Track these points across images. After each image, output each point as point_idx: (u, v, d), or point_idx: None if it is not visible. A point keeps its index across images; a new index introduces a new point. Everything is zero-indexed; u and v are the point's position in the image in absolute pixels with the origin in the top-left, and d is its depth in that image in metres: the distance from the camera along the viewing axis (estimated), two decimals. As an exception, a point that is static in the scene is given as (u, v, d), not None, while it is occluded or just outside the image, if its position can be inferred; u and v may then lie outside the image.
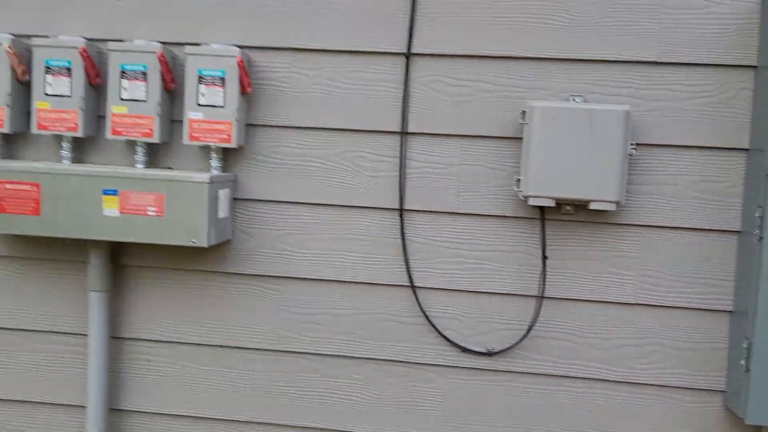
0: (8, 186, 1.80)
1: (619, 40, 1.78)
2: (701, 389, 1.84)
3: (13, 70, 1.88)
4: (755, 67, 1.73)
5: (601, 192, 1.72)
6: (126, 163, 1.96)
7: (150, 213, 1.78)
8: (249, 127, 1.92)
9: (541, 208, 1.82)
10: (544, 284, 1.85)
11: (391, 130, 1.87)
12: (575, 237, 1.84)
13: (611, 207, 1.72)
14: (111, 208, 1.78)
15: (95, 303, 1.94)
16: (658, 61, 1.76)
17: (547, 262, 1.84)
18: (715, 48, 1.75)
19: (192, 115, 1.85)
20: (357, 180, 1.90)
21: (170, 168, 1.95)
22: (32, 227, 1.80)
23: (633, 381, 1.85)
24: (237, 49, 1.82)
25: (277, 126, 1.91)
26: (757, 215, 1.66)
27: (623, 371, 1.85)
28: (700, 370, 1.83)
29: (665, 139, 1.78)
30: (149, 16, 1.92)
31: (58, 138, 1.94)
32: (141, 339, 2.01)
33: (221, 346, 1.99)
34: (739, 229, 1.78)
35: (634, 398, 1.86)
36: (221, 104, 1.84)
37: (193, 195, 1.76)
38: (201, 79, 1.83)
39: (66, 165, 1.85)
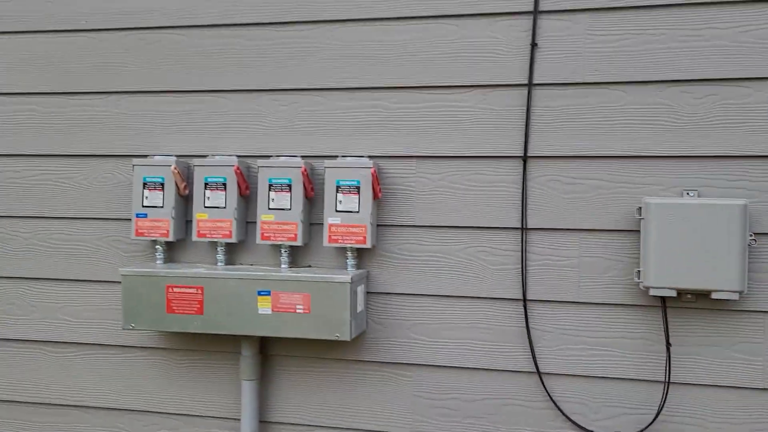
0: (176, 289, 2.06)
1: (729, 137, 1.88)
2: (840, 475, 1.84)
3: (177, 187, 2.18)
4: None
5: (723, 282, 1.79)
6: (272, 262, 2.20)
7: (298, 310, 1.99)
8: (379, 227, 2.12)
9: (663, 298, 1.91)
10: (669, 370, 1.92)
11: (512, 226, 2.03)
12: (698, 324, 1.91)
13: (734, 296, 1.79)
14: (265, 306, 2.01)
15: (247, 390, 2.16)
16: (770, 154, 1.86)
17: (671, 348, 1.91)
18: (826, 138, 1.83)
19: (331, 220, 2.07)
20: (482, 273, 2.05)
21: (310, 266, 2.17)
22: (197, 326, 2.04)
23: (767, 465, 1.88)
24: (370, 161, 2.04)
25: (405, 226, 2.11)
26: None
27: (756, 456, 1.88)
28: (838, 454, 1.84)
29: (783, 228, 1.85)
30: (291, 134, 2.17)
31: (214, 243, 2.21)
32: (287, 423, 2.20)
33: (358, 429, 2.15)
34: None
35: (768, 483, 1.88)
36: (356, 210, 2.05)
37: (337, 293, 1.96)
38: (338, 188, 2.06)
39: (225, 270, 2.09)
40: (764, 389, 1.87)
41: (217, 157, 2.18)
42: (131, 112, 2.29)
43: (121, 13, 2.29)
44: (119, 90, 2.30)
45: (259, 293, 2.01)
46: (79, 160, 2.33)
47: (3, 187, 2.38)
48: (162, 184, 2.18)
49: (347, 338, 1.95)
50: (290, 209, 2.10)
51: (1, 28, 2.36)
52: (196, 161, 2.16)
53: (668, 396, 1.93)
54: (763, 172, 1.87)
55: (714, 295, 1.81)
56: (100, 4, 2.30)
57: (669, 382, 1.92)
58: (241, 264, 2.22)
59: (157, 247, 2.21)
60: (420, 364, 2.10)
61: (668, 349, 1.91)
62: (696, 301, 1.90)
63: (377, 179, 2.04)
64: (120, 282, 2.28)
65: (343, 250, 2.13)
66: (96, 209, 2.32)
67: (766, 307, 1.86)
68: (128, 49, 2.29)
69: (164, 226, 2.18)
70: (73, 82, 2.33)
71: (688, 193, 1.89)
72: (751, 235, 1.81)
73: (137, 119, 2.28)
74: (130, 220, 2.28)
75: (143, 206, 2.19)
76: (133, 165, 2.19)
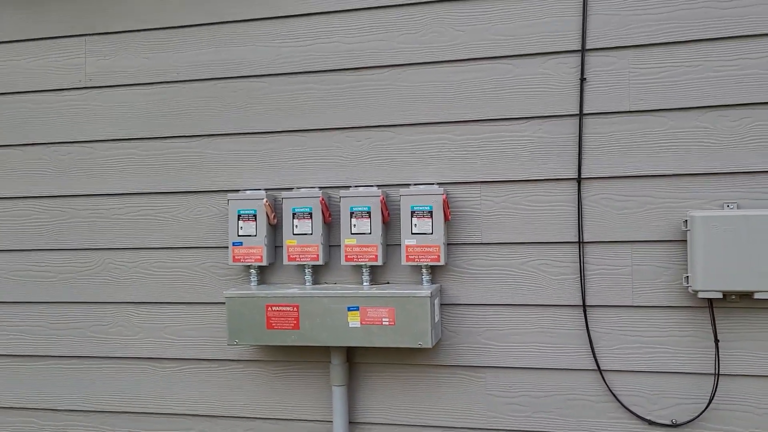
0: (275, 308, 2.34)
1: (762, 155, 2.12)
2: None
3: (267, 217, 2.46)
4: None
5: (765, 284, 2.03)
6: (353, 280, 2.47)
7: (384, 323, 2.25)
8: (449, 246, 2.38)
9: (710, 300, 2.14)
10: (718, 362, 2.15)
11: (570, 240, 2.28)
12: (743, 322, 2.14)
13: (774, 296, 2.03)
14: (354, 320, 2.28)
15: (337, 395, 2.43)
16: (801, 168, 2.09)
17: (720, 344, 2.14)
18: None
19: (407, 242, 2.34)
20: (544, 283, 2.30)
21: (388, 282, 2.44)
22: (294, 339, 2.32)
23: (811, 446, 2.10)
24: (440, 188, 2.31)
25: (472, 243, 2.37)
26: None
27: (801, 437, 2.11)
28: None
29: (815, 233, 2.08)
30: (366, 167, 2.45)
31: (302, 266, 2.49)
32: (373, 423, 2.46)
33: (437, 426, 2.41)
34: None
35: (813, 461, 2.10)
36: (430, 231, 2.32)
37: (419, 306, 2.22)
38: (413, 213, 2.33)
39: (316, 289, 2.37)
40: (805, 378, 2.11)
41: (302, 189, 2.46)
42: (221, 151, 2.58)
43: (209, 65, 2.58)
44: (210, 133, 2.59)
45: (349, 309, 2.28)
46: (176, 196, 2.63)
47: (109, 223, 2.69)
48: (255, 216, 2.46)
49: (429, 345, 2.21)
50: (370, 233, 2.37)
51: (106, 82, 2.67)
52: (283, 194, 2.45)
53: (718, 387, 2.16)
54: (795, 184, 2.11)
55: (756, 296, 2.05)
56: (190, 57, 2.60)
57: (719, 374, 2.16)
58: (326, 283, 2.49)
59: (251, 270, 2.49)
60: (492, 366, 2.35)
61: (716, 345, 2.15)
62: (740, 301, 2.14)
63: (447, 204, 2.30)
64: (218, 303, 2.58)
65: (418, 267, 2.40)
66: (192, 239, 2.61)
67: (803, 305, 2.10)
68: (217, 95, 2.58)
69: (258, 252, 2.46)
70: (168, 127, 2.63)
71: (728, 206, 2.13)
72: (787, 242, 2.05)
73: (227, 158, 2.58)
74: (224, 248, 2.57)
75: (238, 235, 2.48)
76: (228, 200, 2.48)
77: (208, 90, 2.59)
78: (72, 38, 2.72)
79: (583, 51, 2.25)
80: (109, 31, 2.68)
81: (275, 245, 2.52)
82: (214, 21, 2.58)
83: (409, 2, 2.40)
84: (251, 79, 2.55)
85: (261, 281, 2.54)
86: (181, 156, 2.62)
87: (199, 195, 2.61)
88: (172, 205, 2.64)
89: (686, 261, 2.17)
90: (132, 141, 2.67)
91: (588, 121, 2.26)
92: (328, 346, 2.44)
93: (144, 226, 2.66)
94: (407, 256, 2.34)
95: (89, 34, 2.70)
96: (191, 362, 2.63)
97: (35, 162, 2.76)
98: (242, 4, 2.56)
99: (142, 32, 2.66)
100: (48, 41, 2.74)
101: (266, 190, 2.53)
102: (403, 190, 2.34)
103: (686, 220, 2.12)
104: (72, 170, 2.73)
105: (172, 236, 2.63)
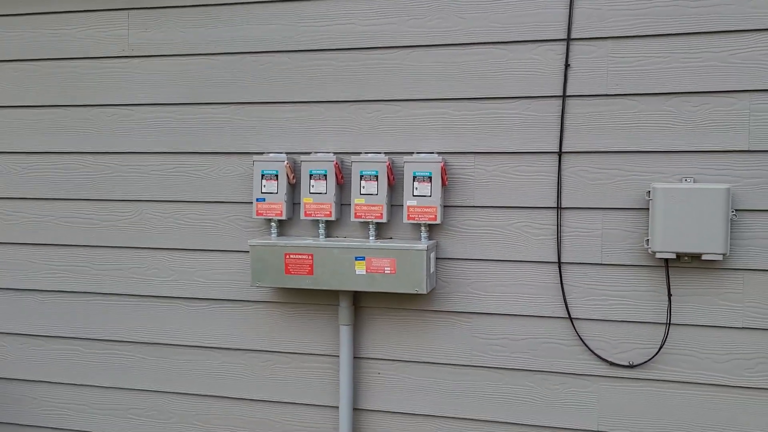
0: (292, 256, 2.71)
1: (718, 136, 2.45)
2: (801, 392, 2.42)
3: (287, 177, 2.81)
4: (826, 151, 2.35)
5: (712, 246, 2.37)
6: (360, 235, 2.82)
7: (386, 271, 2.62)
8: (446, 207, 2.73)
9: (666, 260, 2.49)
10: (670, 314, 2.51)
11: (550, 206, 2.62)
12: (693, 279, 2.49)
13: (719, 257, 2.37)
14: (360, 269, 2.64)
15: (344, 333, 2.81)
16: (750, 149, 2.41)
17: (672, 298, 2.50)
18: (794, 137, 2.38)
19: (409, 203, 2.69)
20: (526, 242, 2.66)
21: (391, 238, 2.80)
22: (308, 283, 2.69)
23: (745, 385, 2.47)
24: (439, 156, 2.65)
25: (465, 206, 2.72)
26: (832, 261, 2.26)
27: (736, 378, 2.47)
28: (799, 377, 2.42)
29: (757, 206, 2.42)
30: (375, 136, 2.79)
31: (316, 221, 2.85)
32: (373, 358, 2.85)
33: (428, 362, 2.79)
34: (822, 270, 2.37)
35: (746, 398, 2.46)
36: (429, 194, 2.66)
37: (416, 258, 2.58)
38: (415, 178, 2.67)
39: (328, 241, 2.74)
40: (742, 328, 2.46)
41: (318, 154, 2.81)
42: (247, 118, 2.92)
43: (237, 41, 2.91)
44: (237, 101, 2.93)
45: (356, 258, 2.64)
46: (206, 156, 2.98)
47: (147, 178, 3.05)
48: (276, 176, 2.81)
49: (424, 291, 2.58)
50: (377, 194, 2.72)
51: (146, 52, 3.01)
52: (302, 157, 2.79)
53: (669, 334, 2.52)
54: (743, 163, 2.43)
55: (704, 257, 2.40)
56: (222, 34, 2.92)
57: (670, 324, 2.52)
58: (337, 237, 2.85)
59: (272, 224, 2.86)
60: (477, 313, 2.73)
61: (669, 299, 2.51)
62: (691, 261, 2.49)
63: (445, 171, 2.65)
64: (241, 251, 2.95)
65: (418, 225, 2.75)
66: (221, 195, 2.97)
67: (743, 266, 2.45)
68: (244, 68, 2.91)
69: (278, 208, 2.82)
70: (201, 95, 2.97)
71: (686, 179, 2.46)
72: (732, 211, 2.39)
73: (252, 124, 2.92)
74: (248, 203, 2.93)
75: (262, 192, 2.83)
76: (254, 161, 2.83)
77: (237, 63, 2.92)
78: (117, 11, 3.05)
79: (568, 40, 2.57)
80: (151, 6, 3.01)
81: (293, 202, 2.88)
82: (244, 1, 2.90)
83: (418, -9, 2.72)
84: (275, 54, 2.88)
85: (280, 233, 2.90)
86: (212, 121, 2.97)
87: (227, 156, 2.96)
88: (203, 164, 2.99)
89: (648, 226, 2.51)
90: (168, 105, 3.01)
91: (570, 102, 2.59)
92: (337, 291, 2.81)
93: (177, 182, 3.02)
94: (408, 215, 2.70)
95: (133, 8, 3.03)
96: (217, 302, 3.01)
97: (82, 121, 3.11)
98: (269, -13, 2.88)
99: (179, 8, 2.98)
100: (94, 13, 3.07)
101: (287, 153, 2.87)
102: (406, 158, 2.69)
103: (649, 191, 2.46)
104: (115, 130, 3.08)
105: (202, 192, 2.99)
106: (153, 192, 3.06)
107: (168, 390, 3.11)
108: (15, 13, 3.16)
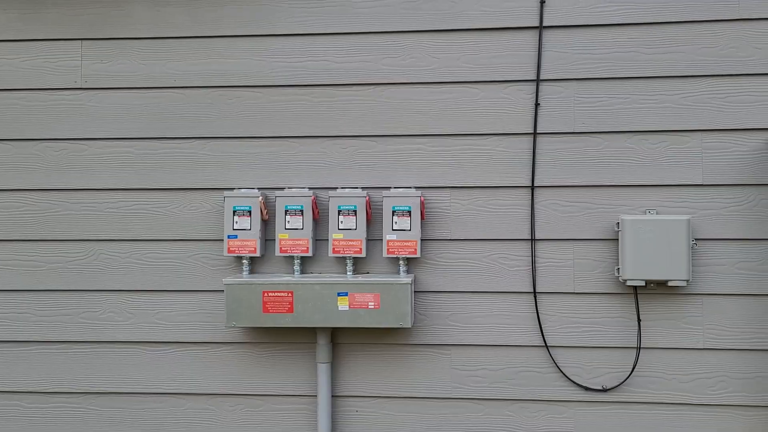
0: (271, 294, 2.63)
1: (675, 171, 2.66)
2: (756, 405, 2.63)
3: (261, 213, 2.74)
4: (769, 184, 2.62)
5: (676, 273, 2.56)
6: (337, 270, 2.79)
7: (370, 306, 2.60)
8: (423, 241, 2.76)
9: (635, 287, 2.65)
10: (640, 338, 2.66)
11: (524, 238, 2.73)
12: (659, 305, 2.67)
13: (683, 283, 2.56)
14: (343, 305, 2.61)
15: (322, 371, 2.74)
16: (703, 183, 2.64)
17: (641, 323, 2.66)
18: (741, 172, 2.63)
19: (389, 237, 2.70)
20: (502, 273, 2.74)
21: (368, 273, 2.79)
22: (288, 321, 2.62)
23: (707, 403, 2.65)
24: (418, 191, 2.69)
25: (442, 240, 2.76)
26: (782, 284, 2.50)
27: (700, 396, 2.65)
28: (754, 392, 2.63)
29: (714, 235, 2.64)
30: (350, 171, 2.79)
31: (290, 257, 2.79)
32: (351, 396, 2.80)
33: (408, 396, 2.78)
34: (770, 292, 2.62)
35: (709, 415, 2.64)
36: (408, 228, 2.69)
37: (401, 292, 2.59)
38: (394, 212, 2.69)
39: (306, 277, 2.69)
40: (703, 349, 2.65)
41: (293, 189, 2.77)
42: (215, 153, 2.84)
43: (205, 74, 2.84)
44: (204, 136, 2.84)
45: (339, 294, 2.61)
46: (169, 193, 2.85)
47: (102, 216, 2.87)
48: (249, 212, 2.74)
49: (409, 325, 2.59)
50: (356, 229, 2.71)
51: (102, 84, 2.86)
52: (277, 193, 2.74)
53: (640, 357, 2.67)
54: (698, 196, 2.66)
55: (670, 283, 2.58)
56: (187, 67, 2.84)
57: (640, 348, 2.67)
58: (312, 273, 2.80)
59: (244, 261, 2.76)
60: (456, 344, 2.76)
61: (639, 324, 2.66)
62: (657, 288, 2.66)
63: (424, 205, 2.69)
64: (209, 291, 2.83)
65: (396, 259, 2.76)
66: (185, 232, 2.84)
67: (702, 291, 2.65)
68: (211, 102, 2.84)
69: (252, 244, 2.74)
70: (163, 129, 2.85)
71: (649, 211, 2.65)
72: (693, 240, 2.59)
73: (220, 159, 2.83)
74: (216, 240, 2.82)
75: (234, 229, 2.74)
76: (225, 197, 2.75)
77: (203, 97, 2.84)
78: (68, 41, 2.89)
79: (537, 81, 2.72)
80: (107, 36, 2.87)
81: (265, 239, 2.81)
82: (210, 34, 2.84)
83: (392, 30, 2.78)
84: (245, 89, 2.83)
85: (252, 271, 2.81)
86: (175, 156, 2.85)
87: (192, 192, 2.85)
88: (166, 201, 2.86)
89: (617, 256, 2.67)
90: (127, 140, 2.87)
91: (540, 139, 2.72)
92: (315, 328, 2.75)
93: (136, 219, 2.86)
94: (388, 249, 2.71)
95: (86, 39, 2.88)
96: (181, 345, 2.85)
97: (27, 156, 2.89)
98: (237, 21, 2.83)
99: (139, 40, 2.87)
100: (44, 42, 2.89)
101: (259, 189, 2.81)
102: (385, 192, 2.71)
103: (618, 222, 2.62)
104: (65, 166, 2.88)
105: (165, 230, 2.85)
106: (109, 231, 2.87)
107: (125, 443, 2.90)
108: (-51, 39, 2.93)
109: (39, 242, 2.89)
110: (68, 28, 2.89)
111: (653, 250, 2.57)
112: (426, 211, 2.76)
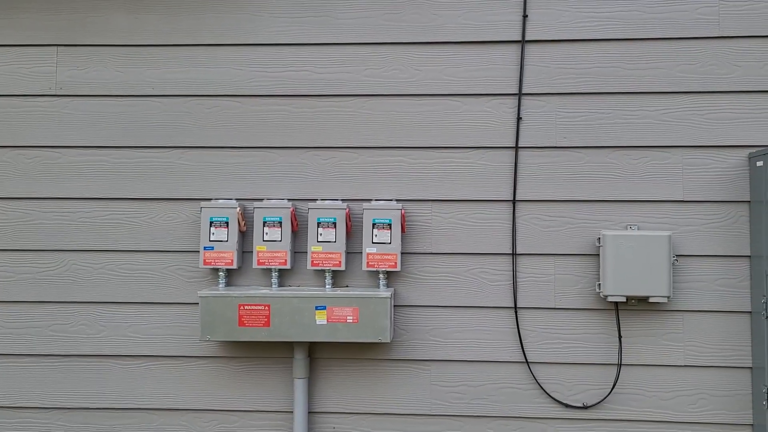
0: (247, 307, 2.57)
1: (657, 187, 2.65)
2: (736, 424, 2.61)
3: (238, 224, 2.68)
4: (749, 201, 2.61)
5: (657, 290, 2.54)
6: (315, 283, 2.74)
7: (349, 320, 2.55)
8: (403, 254, 2.72)
9: (616, 303, 2.63)
10: (621, 355, 2.64)
11: (505, 252, 2.70)
12: (640, 321, 2.65)
13: (664, 300, 2.54)
14: (321, 318, 2.56)
15: (299, 387, 2.68)
16: (684, 199, 2.64)
17: (622, 339, 2.64)
18: (721, 189, 2.63)
19: (368, 250, 2.66)
20: (483, 288, 2.70)
21: (347, 286, 2.74)
22: (265, 335, 2.56)
23: (688, 420, 2.63)
24: (399, 204, 2.66)
25: (422, 253, 2.73)
26: (762, 301, 2.49)
27: (681, 414, 2.63)
28: (735, 410, 2.61)
29: (694, 251, 2.63)
30: (330, 182, 2.75)
31: (268, 269, 2.73)
32: (328, 412, 2.74)
33: (386, 413, 2.73)
34: (750, 310, 2.60)
35: (689, 433, 2.63)
36: (389, 241, 2.65)
37: (380, 306, 2.54)
38: (374, 225, 2.65)
39: (284, 290, 2.63)
40: (684, 366, 2.64)
41: (272, 200, 2.72)
42: (192, 162, 2.78)
43: (182, 83, 2.79)
44: (181, 145, 2.78)
45: (317, 308, 2.56)
46: (144, 202, 2.79)
47: (75, 226, 2.79)
48: (227, 223, 2.68)
49: (388, 340, 2.54)
50: (335, 242, 2.66)
51: (77, 91, 2.79)
52: (256, 204, 2.69)
53: (621, 374, 2.65)
54: (678, 212, 2.65)
55: (651, 299, 2.56)
56: (165, 75, 2.79)
57: (621, 364, 2.65)
58: (290, 286, 2.75)
59: (220, 273, 2.70)
60: (436, 360, 2.71)
61: (620, 341, 2.64)
62: (638, 304, 2.65)
63: (404, 218, 2.65)
64: (184, 303, 2.76)
65: (376, 273, 2.72)
66: (160, 243, 2.78)
67: (683, 307, 2.64)
68: (189, 111, 2.79)
69: (229, 256, 2.68)
70: (140, 138, 2.79)
71: (630, 227, 2.64)
72: (674, 257, 2.58)
73: (197, 169, 2.78)
74: (190, 252, 2.76)
75: (210, 240, 2.69)
76: (201, 207, 2.69)
77: (181, 105, 2.79)
78: (43, 47, 2.82)
79: (519, 95, 2.70)
80: (83, 43, 2.82)
81: (242, 251, 2.75)
82: (190, 42, 2.79)
83: (374, 42, 2.76)
84: (223, 98, 2.78)
85: (229, 283, 2.75)
86: (151, 165, 2.79)
87: (168, 202, 2.79)
88: (141, 211, 2.79)
89: (598, 271, 2.65)
90: (102, 149, 2.80)
91: (522, 153, 2.71)
92: (292, 342, 2.69)
93: (110, 230, 2.79)
94: (368, 262, 2.66)
95: (62, 45, 2.82)
96: (153, 359, 2.78)
97: (-2, 164, 2.82)
98: (217, 29, 2.79)
99: (116, 47, 2.81)
100: (18, 48, 2.83)
101: (236, 200, 2.76)
102: (366, 205, 2.67)
103: (599, 238, 2.61)
104: (37, 174, 2.81)
105: (139, 240, 2.78)
106: (82, 241, 2.80)
107: (93, 461, 2.80)
108: None
109: (9, 252, 2.81)
110: (43, 34, 2.83)
111: (634, 266, 2.56)
112: (407, 224, 2.73)
